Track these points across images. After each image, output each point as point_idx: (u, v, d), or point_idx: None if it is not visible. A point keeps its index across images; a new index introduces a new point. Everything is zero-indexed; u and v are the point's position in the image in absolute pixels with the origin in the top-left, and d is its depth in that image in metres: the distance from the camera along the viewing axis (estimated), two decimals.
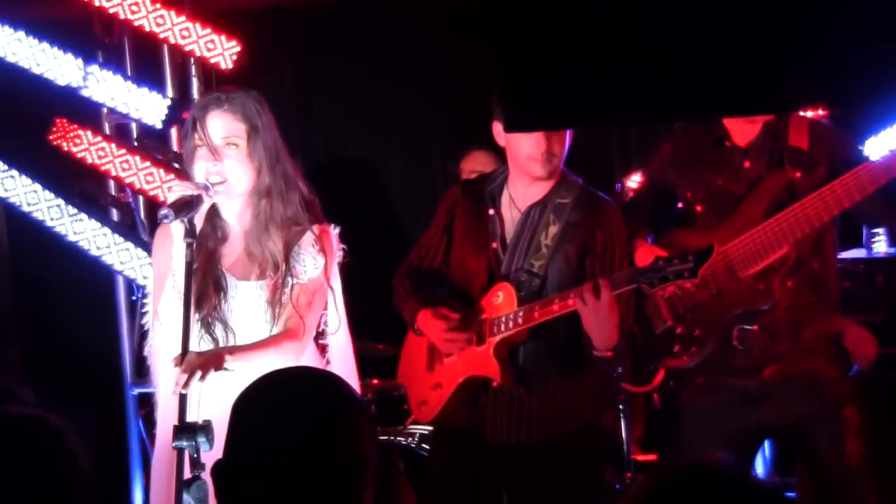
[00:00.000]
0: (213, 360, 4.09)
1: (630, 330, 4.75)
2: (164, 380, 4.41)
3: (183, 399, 3.89)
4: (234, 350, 4.23)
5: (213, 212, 4.37)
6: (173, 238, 4.35)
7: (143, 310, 4.67)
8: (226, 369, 4.10)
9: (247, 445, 2.65)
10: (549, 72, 2.42)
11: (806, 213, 4.42)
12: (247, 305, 4.38)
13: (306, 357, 4.39)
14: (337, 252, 4.51)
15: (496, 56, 2.43)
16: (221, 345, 4.32)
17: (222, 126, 4.34)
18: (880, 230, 5.81)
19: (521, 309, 4.72)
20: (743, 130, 4.64)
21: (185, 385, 3.95)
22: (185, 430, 3.69)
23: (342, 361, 4.54)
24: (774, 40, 2.49)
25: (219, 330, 4.34)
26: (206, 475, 3.53)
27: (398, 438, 6.25)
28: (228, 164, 4.32)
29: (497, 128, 4.83)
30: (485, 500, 4.91)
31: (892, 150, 4.41)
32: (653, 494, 1.85)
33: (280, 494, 2.58)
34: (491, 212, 4.93)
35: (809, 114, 4.68)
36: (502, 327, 4.75)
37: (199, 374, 3.99)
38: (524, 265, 4.82)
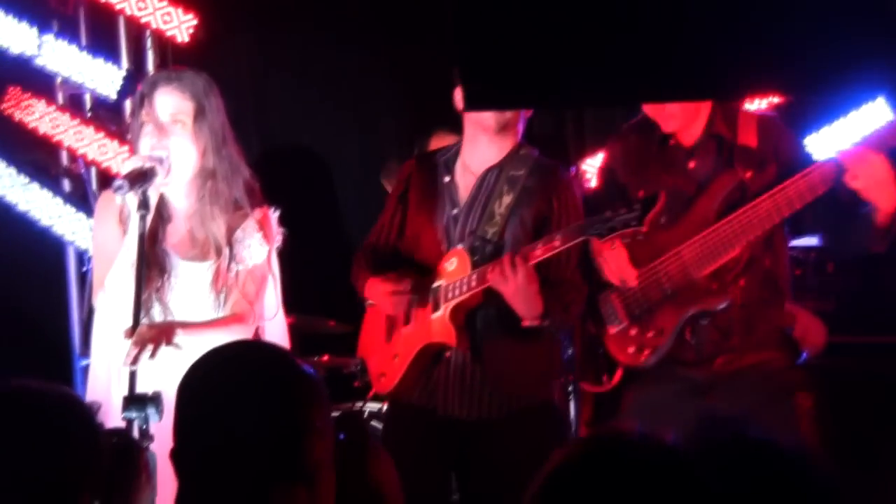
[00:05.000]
0: (164, 334, 4.09)
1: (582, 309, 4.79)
2: (100, 350, 4.41)
3: (133, 372, 3.88)
4: (185, 325, 4.24)
5: (158, 191, 4.33)
6: (122, 210, 4.35)
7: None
8: (176, 345, 4.10)
9: (197, 423, 2.64)
10: (508, 52, 2.43)
11: (758, 215, 4.43)
12: (190, 286, 4.38)
13: None
14: (276, 236, 4.53)
15: (456, 33, 2.44)
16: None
17: (170, 103, 4.34)
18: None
19: (474, 272, 4.73)
20: (687, 131, 4.64)
21: (136, 359, 3.94)
22: (134, 401, 3.69)
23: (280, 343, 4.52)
24: (727, 24, 2.50)
25: (157, 311, 4.34)
26: (154, 446, 3.56)
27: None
28: (174, 142, 4.32)
29: (459, 93, 4.82)
30: (434, 479, 4.92)
31: (840, 151, 4.41)
32: (563, 466, 1.87)
33: (232, 466, 2.58)
34: (446, 179, 4.95)
35: (755, 106, 4.70)
36: (457, 292, 4.76)
37: (150, 348, 4.00)
38: (478, 231, 4.84)
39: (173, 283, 4.37)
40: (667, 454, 1.90)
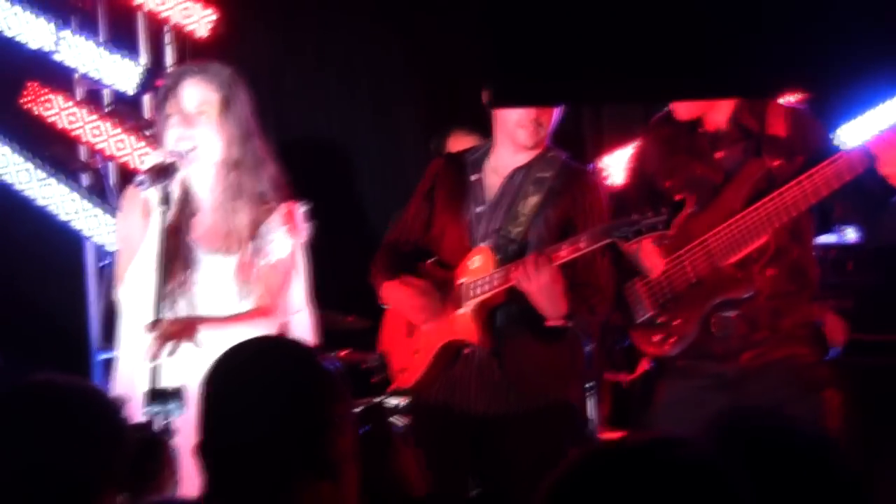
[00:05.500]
0: (186, 330, 4.11)
1: (610, 308, 4.78)
2: (127, 345, 4.43)
3: (155, 367, 3.90)
4: (208, 320, 4.25)
5: (184, 184, 4.39)
6: (146, 204, 4.37)
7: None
8: (197, 342, 4.12)
9: (220, 420, 2.66)
10: (535, 48, 2.43)
11: (784, 202, 4.42)
12: (214, 279, 4.39)
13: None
14: (303, 231, 4.55)
15: (484, 30, 2.44)
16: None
17: (196, 94, 4.38)
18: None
19: (498, 271, 4.73)
20: (712, 120, 4.65)
21: (158, 354, 3.96)
22: (157, 395, 3.70)
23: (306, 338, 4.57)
24: (752, 23, 2.50)
25: (182, 305, 4.35)
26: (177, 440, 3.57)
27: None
28: (200, 132, 4.35)
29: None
30: (453, 475, 4.92)
31: (867, 140, 4.39)
32: (569, 473, 1.89)
33: (256, 462, 2.60)
34: (474, 177, 4.95)
35: (785, 100, 4.68)
36: (479, 290, 4.76)
37: (171, 344, 4.01)
38: (502, 230, 4.84)
39: (198, 277, 4.38)
40: (678, 466, 1.90)
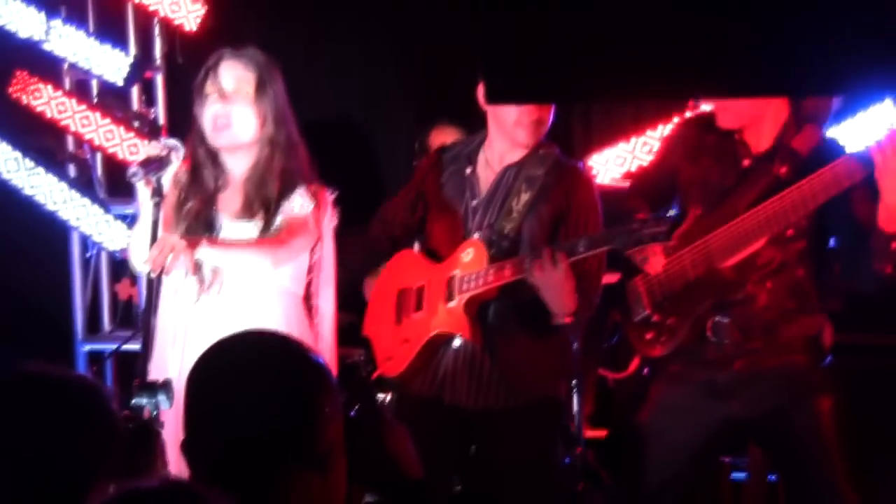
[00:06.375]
0: (189, 245, 4.24)
1: (593, 306, 4.79)
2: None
3: (144, 358, 3.91)
4: (214, 241, 4.41)
5: (216, 160, 4.60)
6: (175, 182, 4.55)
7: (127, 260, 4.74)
8: (197, 261, 4.30)
9: (207, 417, 2.65)
10: (534, 43, 2.42)
11: (783, 206, 4.42)
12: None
13: (295, 319, 4.58)
14: (331, 214, 4.72)
15: (481, 25, 2.44)
16: (207, 284, 4.51)
17: (233, 73, 4.57)
18: None
19: (492, 266, 4.72)
20: (754, 133, 4.63)
21: (159, 264, 4.09)
22: (145, 388, 3.70)
23: (329, 330, 4.77)
24: (747, 22, 2.50)
25: (207, 269, 4.49)
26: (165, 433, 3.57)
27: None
28: (236, 109, 4.54)
29: (483, 90, 4.82)
30: (438, 469, 4.91)
31: (868, 146, 4.38)
32: None
33: (245, 457, 2.59)
34: (468, 170, 4.95)
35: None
36: (472, 284, 4.76)
37: (172, 256, 4.13)
38: (495, 226, 4.83)
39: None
40: None
